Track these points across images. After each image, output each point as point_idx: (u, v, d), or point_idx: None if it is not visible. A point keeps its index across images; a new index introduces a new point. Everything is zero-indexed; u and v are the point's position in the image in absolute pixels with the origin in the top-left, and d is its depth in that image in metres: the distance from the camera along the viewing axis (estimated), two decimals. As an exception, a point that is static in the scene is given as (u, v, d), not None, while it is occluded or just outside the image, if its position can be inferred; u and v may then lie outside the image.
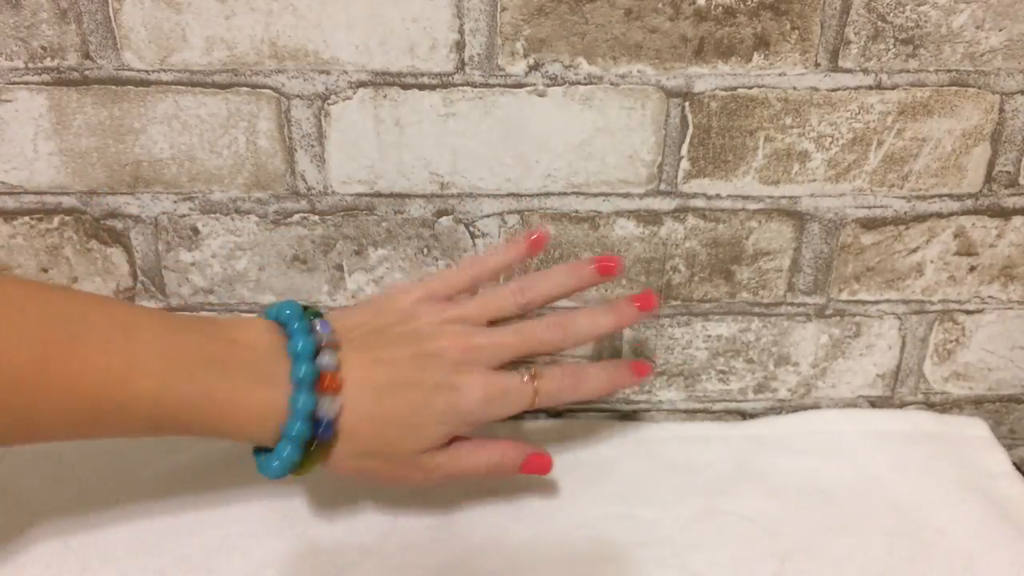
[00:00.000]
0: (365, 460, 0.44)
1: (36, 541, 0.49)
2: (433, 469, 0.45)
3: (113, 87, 0.52)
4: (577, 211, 0.56)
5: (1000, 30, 0.52)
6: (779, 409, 0.63)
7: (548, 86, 0.53)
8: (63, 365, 0.37)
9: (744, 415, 0.64)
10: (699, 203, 0.56)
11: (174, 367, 0.40)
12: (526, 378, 0.47)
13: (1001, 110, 0.54)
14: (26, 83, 0.52)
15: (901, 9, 0.51)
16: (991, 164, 0.56)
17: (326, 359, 0.42)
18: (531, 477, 0.55)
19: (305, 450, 0.42)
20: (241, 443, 0.43)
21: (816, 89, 0.53)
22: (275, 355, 0.42)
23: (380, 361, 0.44)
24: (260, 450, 0.43)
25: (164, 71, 0.52)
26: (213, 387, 0.40)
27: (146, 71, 0.52)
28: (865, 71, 0.53)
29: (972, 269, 0.59)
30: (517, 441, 0.49)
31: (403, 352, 0.44)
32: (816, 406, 0.63)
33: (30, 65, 0.51)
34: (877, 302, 0.60)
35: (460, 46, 0.51)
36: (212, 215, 0.56)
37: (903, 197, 0.57)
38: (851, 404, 0.63)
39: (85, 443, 0.58)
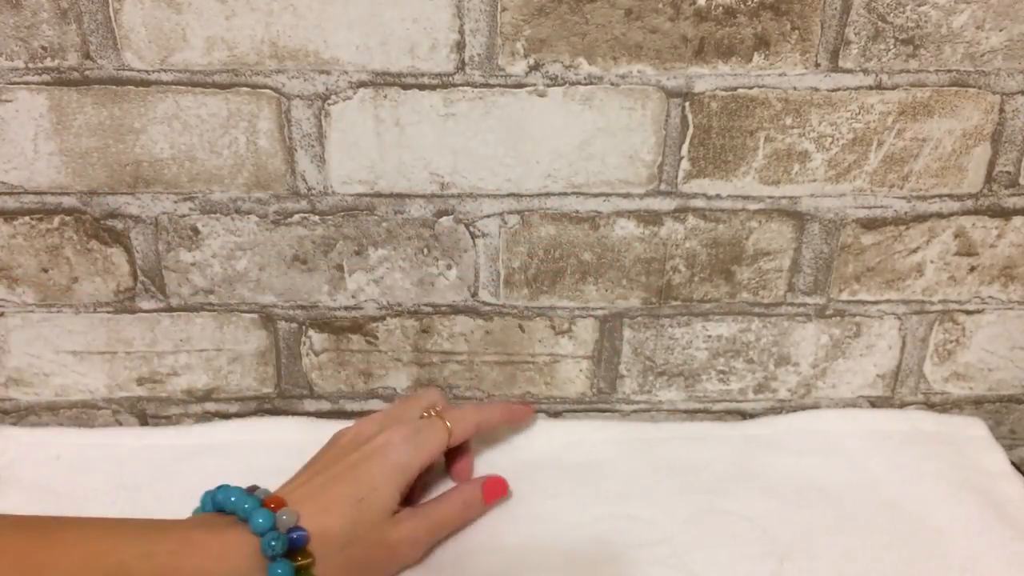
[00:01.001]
0: (349, 553, 0.45)
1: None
2: (410, 537, 0.48)
3: (113, 87, 0.52)
4: (577, 211, 0.56)
5: (1000, 30, 0.52)
6: (779, 409, 0.63)
7: (548, 86, 0.53)
8: None
9: (744, 415, 0.64)
10: (699, 203, 0.56)
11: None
12: (432, 414, 0.52)
13: (1001, 110, 0.54)
14: (26, 83, 0.52)
15: (901, 9, 0.51)
16: (991, 164, 0.56)
17: (260, 491, 0.45)
18: (530, 476, 0.55)
19: (292, 561, 0.43)
20: None
21: (816, 89, 0.53)
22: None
23: (313, 471, 0.48)
24: None
25: (164, 71, 0.52)
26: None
27: (146, 71, 0.52)
28: (865, 71, 0.53)
29: (972, 269, 0.59)
30: (469, 480, 0.54)
31: (331, 455, 0.49)
32: (816, 406, 0.63)
33: (30, 65, 0.51)
34: (877, 302, 0.60)
35: (460, 46, 0.51)
36: (212, 215, 0.56)
37: (903, 197, 0.57)
38: (851, 404, 0.63)
39: (85, 444, 0.58)
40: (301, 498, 0.45)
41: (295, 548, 0.43)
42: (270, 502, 0.44)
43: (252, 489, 0.45)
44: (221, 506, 0.44)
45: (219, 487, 0.45)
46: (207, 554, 0.41)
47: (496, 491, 0.52)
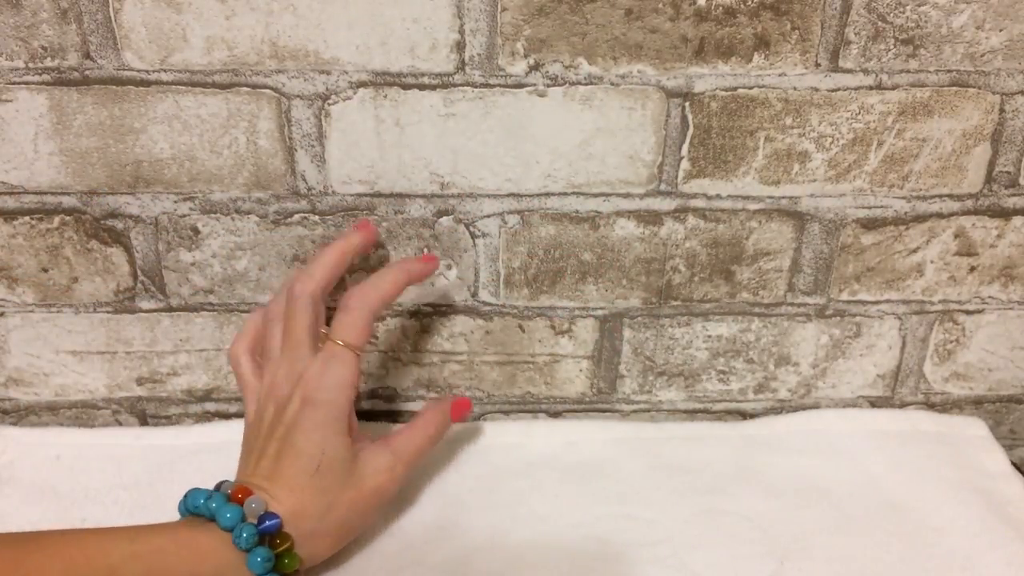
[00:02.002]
0: (329, 520, 0.45)
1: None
2: (387, 478, 0.48)
3: (113, 87, 0.52)
4: (577, 211, 0.56)
5: (1000, 30, 0.52)
6: (779, 409, 0.63)
7: (548, 86, 0.53)
8: None
9: (744, 415, 0.64)
10: (699, 203, 0.56)
11: None
12: (322, 338, 0.49)
13: (1001, 110, 0.54)
14: (26, 83, 0.52)
15: (901, 9, 0.51)
16: (991, 164, 0.56)
17: (225, 485, 0.45)
18: (530, 476, 0.55)
19: (271, 547, 0.42)
20: None
21: (816, 89, 0.53)
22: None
23: (258, 451, 0.47)
24: None
25: (164, 71, 0.52)
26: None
27: (146, 71, 0.52)
28: (865, 71, 0.53)
29: (972, 269, 0.59)
30: (435, 401, 0.53)
31: (264, 429, 0.47)
32: (816, 406, 0.63)
33: (30, 65, 0.51)
34: (877, 302, 0.60)
35: (460, 46, 0.51)
36: (212, 215, 0.56)
37: (903, 197, 0.57)
38: (851, 404, 0.63)
39: (85, 444, 0.58)
40: (263, 482, 0.45)
41: (270, 533, 0.42)
42: (236, 494, 0.43)
43: (219, 485, 0.45)
44: (193, 511, 0.44)
45: (188, 492, 0.44)
46: (193, 552, 0.41)
47: (463, 409, 0.53)
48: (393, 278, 0.50)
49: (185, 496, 0.44)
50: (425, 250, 0.57)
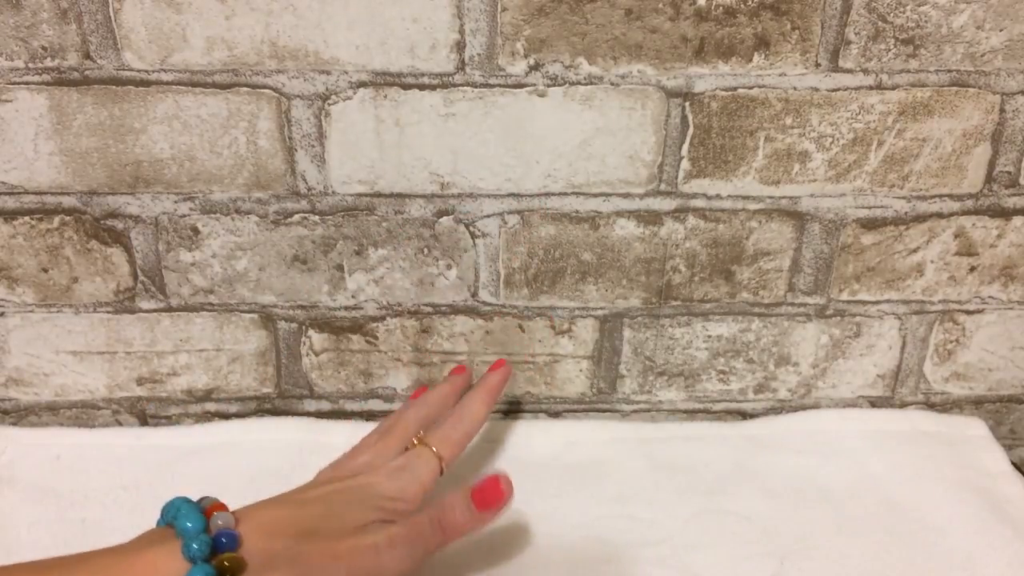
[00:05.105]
0: (304, 547, 0.40)
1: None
2: (371, 546, 0.41)
3: (113, 87, 0.52)
4: (577, 211, 0.56)
5: (1000, 30, 0.52)
6: (779, 409, 0.63)
7: (548, 86, 0.53)
8: None
9: (744, 415, 0.64)
10: (699, 203, 0.56)
11: None
12: (415, 442, 0.48)
13: (1001, 110, 0.54)
14: (26, 83, 0.52)
15: (901, 9, 0.51)
16: (991, 164, 0.56)
17: (205, 500, 0.41)
18: (531, 476, 0.55)
19: (215, 562, 0.38)
20: None
21: (816, 89, 0.53)
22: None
23: (281, 498, 0.43)
24: None
25: (164, 71, 0.52)
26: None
27: (146, 71, 0.52)
28: (865, 71, 0.53)
29: (972, 269, 0.59)
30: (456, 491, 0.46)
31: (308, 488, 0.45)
32: (816, 406, 0.63)
33: (30, 65, 0.51)
34: (877, 302, 0.60)
35: (460, 46, 0.51)
36: (212, 215, 0.56)
37: (903, 197, 0.57)
38: (851, 404, 0.63)
39: (85, 444, 0.58)
40: (252, 509, 0.41)
41: (224, 551, 0.39)
42: (211, 509, 0.40)
43: (203, 499, 0.42)
44: (165, 516, 0.41)
45: (174, 498, 0.41)
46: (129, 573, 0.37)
47: (491, 498, 0.44)
48: (482, 405, 0.51)
49: (167, 503, 0.41)
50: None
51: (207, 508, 0.40)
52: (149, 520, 0.43)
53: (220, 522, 0.39)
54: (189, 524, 0.39)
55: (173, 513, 0.41)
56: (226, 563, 0.38)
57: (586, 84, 0.53)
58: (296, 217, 0.56)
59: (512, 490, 0.44)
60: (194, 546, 0.38)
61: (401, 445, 0.48)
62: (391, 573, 0.41)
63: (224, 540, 0.39)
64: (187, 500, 0.41)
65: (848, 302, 0.60)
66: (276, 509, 0.42)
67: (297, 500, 0.43)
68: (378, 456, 0.47)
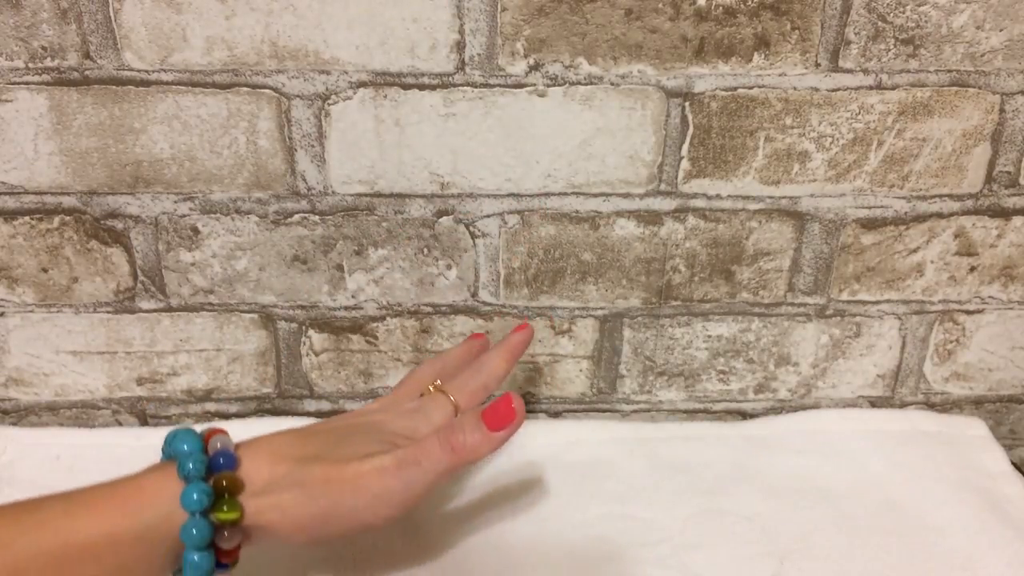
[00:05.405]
0: (308, 469, 0.39)
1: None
2: (376, 468, 0.40)
3: (113, 87, 0.52)
4: (577, 211, 0.56)
5: (1000, 30, 0.52)
6: (779, 409, 0.63)
7: (548, 86, 0.53)
8: None
9: (744, 415, 0.64)
10: (699, 203, 0.56)
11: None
12: (431, 390, 0.47)
13: (1001, 110, 0.54)
14: (26, 83, 0.52)
15: (901, 9, 0.51)
16: (991, 164, 0.56)
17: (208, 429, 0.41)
18: (531, 476, 0.55)
19: (212, 481, 0.38)
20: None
21: (816, 89, 0.53)
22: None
23: (287, 430, 0.43)
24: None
25: (164, 71, 0.52)
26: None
27: (146, 71, 0.52)
28: (865, 71, 0.53)
29: (972, 269, 0.59)
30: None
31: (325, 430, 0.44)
32: (816, 406, 0.63)
33: (30, 65, 0.51)
34: (877, 302, 0.60)
35: (460, 46, 0.51)
36: (212, 215, 0.56)
37: (903, 197, 0.57)
38: (851, 404, 0.63)
39: (85, 444, 0.58)
40: (256, 439, 0.41)
41: (221, 471, 0.38)
42: (210, 434, 0.39)
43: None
44: (165, 448, 0.40)
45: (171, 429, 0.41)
46: (121, 512, 0.37)
47: (503, 417, 0.41)
48: (504, 361, 0.49)
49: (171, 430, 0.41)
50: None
51: (206, 433, 0.40)
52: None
53: (219, 444, 0.39)
54: (185, 446, 0.38)
55: (170, 440, 0.40)
56: (224, 482, 0.37)
57: (586, 84, 0.53)
58: (296, 217, 0.56)
59: (524, 412, 0.41)
60: (189, 465, 0.37)
61: (416, 393, 0.48)
62: (399, 496, 0.40)
63: (222, 460, 0.38)
64: (185, 427, 0.40)
65: (848, 302, 0.60)
66: (281, 437, 0.42)
67: (303, 431, 0.43)
68: (391, 403, 0.47)
